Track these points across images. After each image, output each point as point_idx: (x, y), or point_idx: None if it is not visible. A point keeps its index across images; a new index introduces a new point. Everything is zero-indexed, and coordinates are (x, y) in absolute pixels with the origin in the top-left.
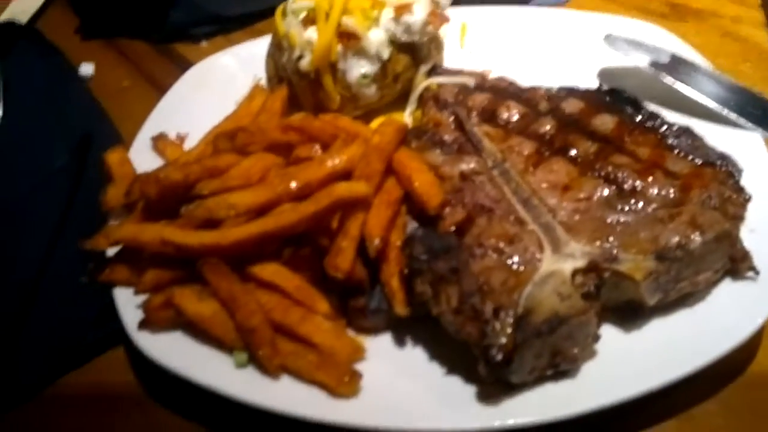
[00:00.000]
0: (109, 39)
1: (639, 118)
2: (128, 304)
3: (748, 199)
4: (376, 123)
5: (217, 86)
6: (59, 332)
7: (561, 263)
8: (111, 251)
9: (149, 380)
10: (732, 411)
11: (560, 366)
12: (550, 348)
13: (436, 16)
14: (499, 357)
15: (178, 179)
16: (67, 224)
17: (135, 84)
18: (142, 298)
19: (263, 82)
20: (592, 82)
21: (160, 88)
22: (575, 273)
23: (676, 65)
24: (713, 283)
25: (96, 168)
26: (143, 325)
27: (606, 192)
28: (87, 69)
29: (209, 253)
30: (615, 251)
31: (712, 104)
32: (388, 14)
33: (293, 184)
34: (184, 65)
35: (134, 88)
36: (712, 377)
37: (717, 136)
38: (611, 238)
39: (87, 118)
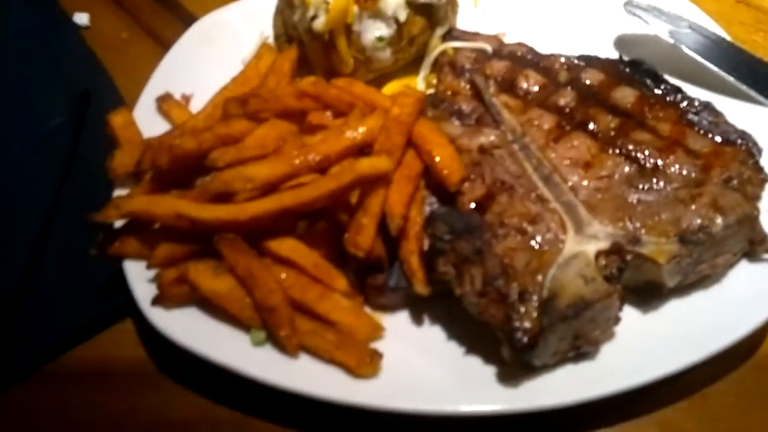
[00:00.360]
0: None
1: (659, 91)
2: (139, 278)
3: (766, 179)
4: (389, 88)
5: (222, 43)
6: (61, 305)
7: (584, 245)
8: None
9: (159, 355)
10: (744, 391)
11: (581, 348)
12: (573, 331)
13: None
14: (525, 341)
15: (191, 148)
16: (67, 189)
17: (133, 36)
18: (153, 272)
19: (270, 39)
20: (609, 48)
21: (160, 42)
22: (598, 255)
23: (696, 35)
24: (731, 266)
25: (95, 128)
26: (157, 300)
27: (627, 170)
28: (81, 18)
29: (226, 229)
30: (638, 233)
31: (730, 78)
32: None
33: (312, 157)
34: (184, 17)
35: (133, 40)
36: (725, 358)
37: (736, 112)
38: (633, 219)
39: (84, 72)
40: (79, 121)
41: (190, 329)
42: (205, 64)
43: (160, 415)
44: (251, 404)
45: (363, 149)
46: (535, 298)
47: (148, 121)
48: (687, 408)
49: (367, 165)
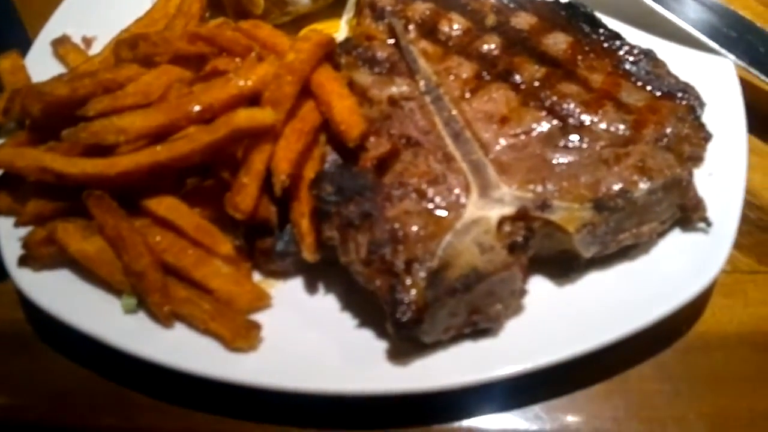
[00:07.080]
0: None
1: (596, 38)
2: (11, 236)
3: (707, 138)
4: (305, 32)
5: None
6: None
7: (487, 210)
8: None
9: (38, 319)
10: (667, 376)
11: (479, 324)
12: (468, 306)
13: None
14: (408, 316)
15: (63, 95)
16: None
17: None
18: (26, 230)
19: None
20: None
21: None
22: (502, 221)
23: None
24: (660, 234)
25: None
26: (23, 261)
27: (548, 126)
28: None
29: (94, 184)
30: (549, 198)
31: (679, 22)
32: None
33: (193, 107)
34: None
35: None
36: (649, 339)
37: (682, 61)
38: (547, 182)
39: None
40: None
41: (58, 294)
42: (110, 5)
43: (33, 383)
44: (128, 376)
45: (254, 99)
46: (423, 268)
47: (43, 67)
48: (603, 392)
49: (245, 117)
